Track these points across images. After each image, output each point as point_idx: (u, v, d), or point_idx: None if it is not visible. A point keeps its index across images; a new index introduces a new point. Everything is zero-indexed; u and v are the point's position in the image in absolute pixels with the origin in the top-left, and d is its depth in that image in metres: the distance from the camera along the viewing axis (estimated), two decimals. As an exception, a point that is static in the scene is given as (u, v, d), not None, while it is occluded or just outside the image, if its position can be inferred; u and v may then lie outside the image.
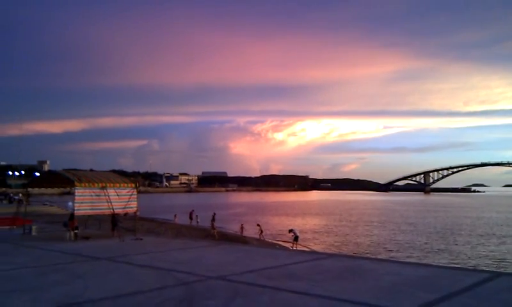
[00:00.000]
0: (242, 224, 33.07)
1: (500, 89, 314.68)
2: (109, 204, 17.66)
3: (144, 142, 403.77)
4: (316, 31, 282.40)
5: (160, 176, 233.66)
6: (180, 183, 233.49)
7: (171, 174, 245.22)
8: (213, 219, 31.15)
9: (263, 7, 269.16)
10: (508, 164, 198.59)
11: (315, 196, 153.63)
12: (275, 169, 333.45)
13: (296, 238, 24.61)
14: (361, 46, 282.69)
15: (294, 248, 23.25)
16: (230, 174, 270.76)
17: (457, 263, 22.31)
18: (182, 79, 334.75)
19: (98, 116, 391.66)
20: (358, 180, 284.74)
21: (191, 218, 37.67)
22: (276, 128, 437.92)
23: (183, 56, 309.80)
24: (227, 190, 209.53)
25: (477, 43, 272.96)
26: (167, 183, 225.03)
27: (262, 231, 30.22)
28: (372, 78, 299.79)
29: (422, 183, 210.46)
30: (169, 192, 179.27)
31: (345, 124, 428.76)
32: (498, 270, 17.97)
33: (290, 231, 25.33)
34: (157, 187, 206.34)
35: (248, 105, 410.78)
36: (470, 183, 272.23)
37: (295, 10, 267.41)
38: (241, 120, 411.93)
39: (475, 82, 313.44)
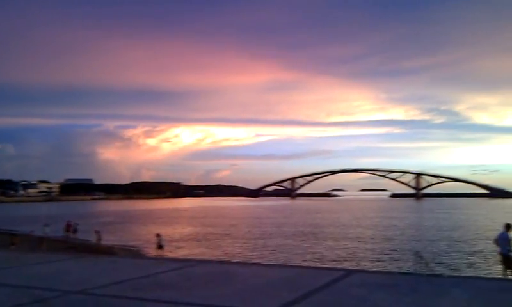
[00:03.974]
0: (98, 231, 30.14)
1: (358, 102, 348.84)
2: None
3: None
4: (192, 38, 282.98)
5: (16, 183, 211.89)
6: (40, 192, 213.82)
7: (29, 182, 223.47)
8: (70, 229, 28.74)
9: (139, 9, 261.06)
10: (364, 171, 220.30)
11: (187, 202, 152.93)
12: (147, 176, 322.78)
13: (160, 247, 23.69)
14: (236, 55, 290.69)
15: (159, 256, 22.54)
16: (98, 181, 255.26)
17: (318, 263, 24.02)
18: (45, 79, 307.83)
19: None
20: (230, 186, 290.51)
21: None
22: (148, 134, 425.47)
23: (47, 54, 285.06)
24: (93, 199, 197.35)
25: (340, 59, 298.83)
26: (23, 192, 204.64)
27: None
28: (245, 87, 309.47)
29: (289, 189, 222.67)
30: (25, 201, 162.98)
31: (218, 131, 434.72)
32: (351, 268, 19.72)
33: (158, 235, 24.36)
34: (12, 195, 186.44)
35: (119, 109, 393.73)
36: (331, 188, 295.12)
37: (172, 15, 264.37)
38: (111, 124, 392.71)
39: (337, 94, 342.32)
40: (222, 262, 17.79)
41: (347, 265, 23.11)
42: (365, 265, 23.31)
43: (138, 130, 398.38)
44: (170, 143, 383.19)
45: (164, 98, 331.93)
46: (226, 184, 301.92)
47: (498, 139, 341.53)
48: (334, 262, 24.64)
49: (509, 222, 14.45)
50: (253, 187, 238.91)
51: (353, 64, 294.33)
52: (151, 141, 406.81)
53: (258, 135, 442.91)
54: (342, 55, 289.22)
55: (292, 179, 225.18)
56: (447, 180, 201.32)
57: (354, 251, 28.94)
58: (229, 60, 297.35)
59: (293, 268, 14.38)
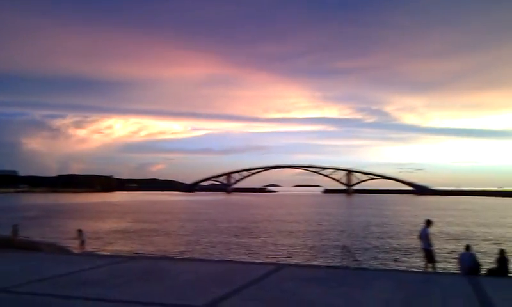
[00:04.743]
0: (15, 225, 27.60)
1: (294, 100, 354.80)
2: None
3: None
4: (129, 27, 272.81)
5: None
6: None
7: None
8: None
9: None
10: (298, 167, 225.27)
11: (119, 197, 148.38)
12: (76, 169, 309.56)
13: (82, 243, 22.47)
14: (174, 47, 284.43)
15: (82, 251, 21.49)
16: (22, 173, 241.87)
17: (250, 258, 24.20)
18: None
19: None
20: (166, 180, 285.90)
21: None
22: (78, 124, 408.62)
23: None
24: (17, 191, 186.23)
25: (277, 56, 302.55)
26: None
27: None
28: (182, 79, 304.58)
29: (225, 184, 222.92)
30: None
31: (154, 123, 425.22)
32: (282, 262, 20.08)
33: (79, 231, 23.12)
34: None
35: (47, 97, 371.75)
36: (267, 184, 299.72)
37: (109, 3, 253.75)
38: (37, 113, 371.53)
39: (274, 91, 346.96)
40: (153, 258, 17.42)
41: (279, 259, 23.49)
42: (297, 260, 23.81)
43: (67, 120, 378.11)
44: (102, 135, 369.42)
45: (97, 87, 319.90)
46: (161, 178, 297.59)
47: (424, 139, 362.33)
48: (266, 257, 24.94)
49: (429, 218, 15.34)
50: (188, 182, 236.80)
51: (290, 62, 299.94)
52: (81, 132, 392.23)
53: (194, 129, 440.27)
54: (279, 52, 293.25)
55: (228, 174, 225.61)
56: (376, 177, 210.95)
57: (287, 246, 29.47)
58: (167, 52, 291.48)
59: (225, 264, 14.36)
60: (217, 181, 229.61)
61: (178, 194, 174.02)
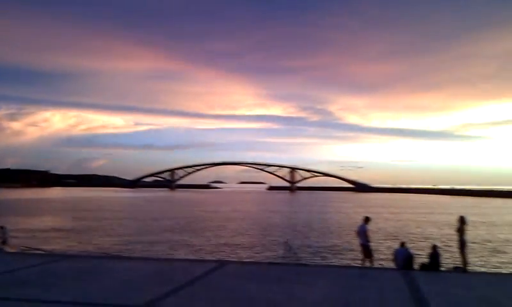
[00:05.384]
0: None
1: (240, 97, 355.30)
2: None
3: None
4: (70, 17, 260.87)
5: None
6: None
7: None
8: None
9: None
10: (243, 164, 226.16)
11: (56, 193, 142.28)
12: (9, 163, 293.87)
13: (3, 242, 20.50)
14: (117, 39, 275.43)
15: (8, 250, 19.68)
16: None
17: (193, 256, 24.02)
18: None
19: None
20: (107, 176, 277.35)
21: None
22: (12, 117, 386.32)
23: None
24: None
25: (224, 53, 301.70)
26: None
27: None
28: (126, 73, 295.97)
29: (168, 180, 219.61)
30: None
31: (94, 117, 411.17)
32: (225, 259, 20.09)
33: (1, 228, 21.15)
34: None
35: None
36: (211, 180, 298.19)
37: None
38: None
39: (220, 88, 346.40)
40: (90, 257, 16.81)
41: (221, 256, 23.47)
42: (239, 257, 23.89)
43: (1, 113, 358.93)
44: (38, 128, 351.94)
45: (33, 78, 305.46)
46: (101, 174, 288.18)
47: (365, 139, 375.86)
48: (209, 254, 24.84)
49: (367, 215, 15.89)
50: (130, 178, 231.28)
51: (237, 60, 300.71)
52: (15, 125, 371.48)
53: (137, 124, 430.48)
54: (226, 49, 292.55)
55: (172, 170, 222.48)
56: (318, 174, 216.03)
57: (230, 243, 29.50)
58: (110, 44, 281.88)
59: (167, 262, 14.15)
60: (161, 178, 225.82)
61: (119, 191, 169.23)
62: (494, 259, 23.05)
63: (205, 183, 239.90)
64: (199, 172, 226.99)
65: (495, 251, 25.94)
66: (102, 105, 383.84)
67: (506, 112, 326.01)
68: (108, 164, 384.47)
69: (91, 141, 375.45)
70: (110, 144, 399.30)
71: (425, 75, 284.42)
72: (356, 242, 16.71)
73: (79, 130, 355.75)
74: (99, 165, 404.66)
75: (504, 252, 25.51)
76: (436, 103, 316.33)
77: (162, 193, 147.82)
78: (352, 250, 24.94)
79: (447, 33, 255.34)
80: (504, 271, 19.72)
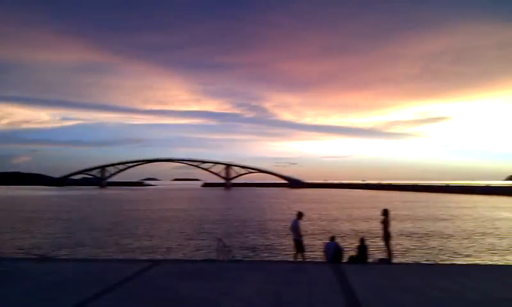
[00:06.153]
0: None
1: (174, 92, 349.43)
2: None
3: None
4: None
5: None
6: None
7: None
8: None
9: None
10: (177, 160, 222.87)
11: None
12: None
13: None
14: (44, 29, 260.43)
15: None
16: None
17: (124, 256, 23.37)
18: None
19: None
20: (31, 174, 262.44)
21: None
22: None
23: None
24: None
25: (158, 47, 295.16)
26: None
27: None
28: (52, 65, 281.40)
29: (98, 178, 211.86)
30: None
31: (17, 111, 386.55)
32: (158, 258, 19.77)
33: None
34: None
35: None
36: (145, 177, 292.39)
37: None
38: None
39: (154, 82, 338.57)
40: (12, 259, 15.85)
41: (153, 256, 23.05)
42: (172, 255, 23.59)
43: None
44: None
45: None
46: (25, 172, 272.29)
47: (298, 135, 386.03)
48: (141, 254, 24.30)
49: (300, 211, 16.30)
50: (57, 176, 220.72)
51: (172, 54, 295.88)
52: None
53: (64, 118, 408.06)
54: (161, 43, 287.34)
55: (103, 167, 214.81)
56: (253, 170, 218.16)
57: (163, 242, 29.04)
58: (34, 34, 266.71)
59: (97, 263, 13.66)
60: (90, 175, 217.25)
61: (45, 189, 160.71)
62: (417, 251, 24.51)
63: (138, 181, 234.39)
64: (131, 169, 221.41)
65: (418, 242, 27.59)
66: (26, 99, 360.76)
67: (429, 111, 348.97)
68: (33, 161, 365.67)
69: (13, 136, 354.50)
70: (35, 140, 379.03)
71: (355, 75, 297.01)
72: (289, 237, 17.10)
73: (0, 125, 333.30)
74: (23, 162, 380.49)
75: (425, 244, 27.19)
76: (365, 101, 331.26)
77: (91, 191, 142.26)
78: (285, 245, 25.47)
79: (376, 34, 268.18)
80: (424, 262, 21.03)
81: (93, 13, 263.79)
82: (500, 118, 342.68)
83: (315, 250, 22.45)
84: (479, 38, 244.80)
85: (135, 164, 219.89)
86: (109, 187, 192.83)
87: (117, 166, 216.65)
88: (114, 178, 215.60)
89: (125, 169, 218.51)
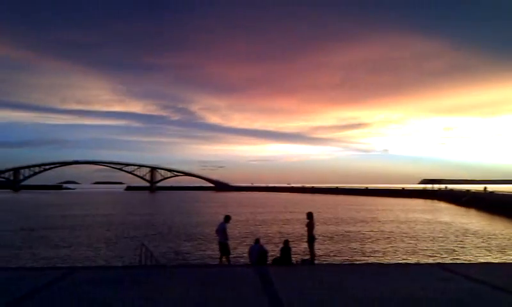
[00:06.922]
0: None
1: (96, 91, 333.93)
2: None
3: None
4: None
5: None
6: None
7: None
8: None
9: None
10: (99, 163, 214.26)
11: None
12: None
13: None
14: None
15: None
16: None
17: (37, 264, 21.98)
18: None
19: None
20: None
21: None
22: None
23: None
24: None
25: (78, 44, 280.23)
26: None
27: None
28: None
29: (11, 180, 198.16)
30: None
31: None
32: (76, 266, 18.87)
33: None
34: None
35: None
36: (63, 180, 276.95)
37: None
38: None
39: (73, 81, 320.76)
40: None
41: (71, 262, 21.90)
42: (92, 262, 22.56)
43: None
44: None
45: None
46: None
47: (225, 139, 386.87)
48: (58, 261, 22.99)
49: (228, 214, 16.31)
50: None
51: (93, 52, 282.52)
52: None
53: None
54: (81, 41, 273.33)
55: (16, 169, 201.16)
56: (179, 174, 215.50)
57: (82, 248, 27.73)
58: None
59: (4, 271, 12.65)
60: (2, 178, 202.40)
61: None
62: (340, 252, 25.46)
63: (56, 184, 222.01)
64: (48, 172, 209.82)
65: (338, 244, 28.69)
66: None
67: (350, 117, 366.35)
68: None
69: None
70: None
71: (281, 80, 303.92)
72: (215, 241, 17.00)
73: None
74: None
75: (346, 245, 28.34)
76: (290, 106, 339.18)
77: (3, 195, 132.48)
78: (210, 249, 25.35)
79: (302, 42, 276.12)
80: (345, 262, 21.90)
81: (6, 6, 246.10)
82: (415, 124, 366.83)
83: (240, 253, 22.54)
84: (397, 50, 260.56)
85: (52, 166, 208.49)
86: (23, 190, 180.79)
87: (32, 168, 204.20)
88: (30, 181, 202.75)
89: (42, 171, 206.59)
